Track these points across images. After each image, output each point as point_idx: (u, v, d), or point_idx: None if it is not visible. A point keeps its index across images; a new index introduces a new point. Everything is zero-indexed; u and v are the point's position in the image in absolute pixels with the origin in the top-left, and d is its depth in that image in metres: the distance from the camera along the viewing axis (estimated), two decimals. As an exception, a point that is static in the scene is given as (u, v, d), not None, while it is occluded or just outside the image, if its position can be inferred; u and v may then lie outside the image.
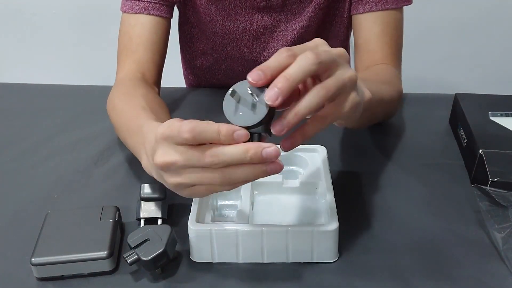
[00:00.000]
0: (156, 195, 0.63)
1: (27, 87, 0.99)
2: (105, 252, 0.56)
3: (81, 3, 1.84)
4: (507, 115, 0.77)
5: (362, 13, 0.84)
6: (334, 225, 0.57)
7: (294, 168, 0.70)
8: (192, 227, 0.57)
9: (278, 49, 0.89)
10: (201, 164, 0.45)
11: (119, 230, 0.62)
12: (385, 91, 0.73)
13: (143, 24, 0.81)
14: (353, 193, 0.70)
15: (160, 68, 0.85)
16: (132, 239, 0.56)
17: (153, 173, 0.52)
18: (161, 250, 0.55)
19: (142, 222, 0.63)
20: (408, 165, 0.76)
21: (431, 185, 0.72)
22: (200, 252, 0.59)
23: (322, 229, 0.57)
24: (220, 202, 0.65)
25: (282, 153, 0.65)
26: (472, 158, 0.72)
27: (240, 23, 0.87)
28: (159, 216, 0.63)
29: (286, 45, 0.89)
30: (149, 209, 0.63)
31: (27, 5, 1.86)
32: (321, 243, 0.57)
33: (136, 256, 0.55)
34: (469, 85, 1.89)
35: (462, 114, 0.78)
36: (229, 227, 0.57)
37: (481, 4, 1.79)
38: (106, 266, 0.57)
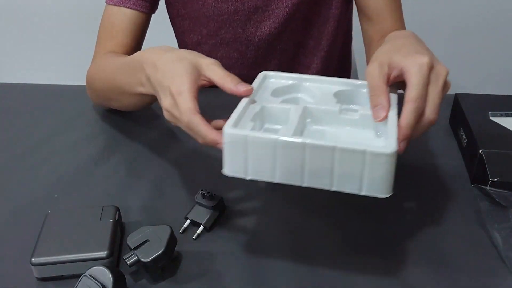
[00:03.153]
0: (208, 204, 0.64)
1: (27, 87, 0.99)
2: (105, 252, 0.56)
3: (81, 3, 1.84)
4: (507, 115, 0.77)
5: None
6: (392, 148, 0.49)
7: (354, 107, 0.60)
8: (228, 130, 0.51)
9: (271, 28, 0.93)
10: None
11: (119, 230, 0.62)
12: None
13: (125, 14, 0.87)
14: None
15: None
16: (132, 240, 0.56)
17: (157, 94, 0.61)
18: (160, 251, 0.55)
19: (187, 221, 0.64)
20: (408, 165, 0.76)
21: (431, 185, 0.72)
22: (233, 163, 0.52)
23: (377, 150, 0.48)
24: (267, 125, 0.59)
25: (344, 87, 0.63)
26: (472, 158, 0.72)
27: (231, 4, 0.89)
28: (202, 222, 0.63)
29: (278, 23, 0.92)
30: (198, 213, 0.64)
31: (27, 5, 1.86)
32: (374, 169, 0.49)
33: (136, 257, 0.55)
34: (469, 85, 1.89)
35: (462, 114, 0.78)
36: (268, 135, 0.51)
37: (481, 4, 1.79)
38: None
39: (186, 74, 0.58)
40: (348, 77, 1.10)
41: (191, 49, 0.99)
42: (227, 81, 0.58)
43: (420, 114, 0.54)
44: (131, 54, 0.86)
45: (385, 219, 0.66)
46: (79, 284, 0.52)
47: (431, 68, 0.55)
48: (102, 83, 0.80)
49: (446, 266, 0.59)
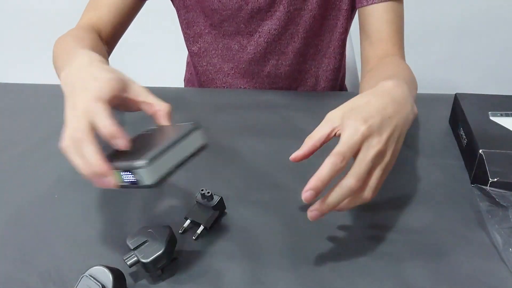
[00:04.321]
0: (207, 203, 0.64)
1: (27, 87, 0.99)
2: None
3: (81, 3, 1.84)
4: (507, 115, 0.77)
5: (372, 4, 0.88)
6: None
7: None
8: None
9: (271, 28, 0.94)
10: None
11: None
12: (415, 92, 0.76)
13: None
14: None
15: (116, 33, 0.93)
16: (132, 240, 0.56)
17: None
18: (160, 251, 0.55)
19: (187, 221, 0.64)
20: (408, 165, 0.76)
21: (431, 185, 0.72)
22: None
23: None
24: None
25: None
26: (472, 158, 0.72)
27: (236, 2, 0.91)
28: (202, 222, 0.63)
29: (280, 25, 0.93)
30: (198, 212, 0.64)
31: (27, 5, 1.86)
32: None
33: (136, 257, 0.55)
34: (469, 85, 1.90)
35: (462, 114, 0.78)
36: None
37: (481, 4, 1.79)
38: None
39: None
40: (340, 89, 1.11)
41: (194, 41, 1.02)
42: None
43: (337, 170, 0.54)
44: (111, 31, 0.91)
45: (384, 219, 0.66)
46: (79, 284, 0.52)
47: (365, 137, 0.55)
48: (54, 55, 0.81)
49: (446, 266, 0.59)
